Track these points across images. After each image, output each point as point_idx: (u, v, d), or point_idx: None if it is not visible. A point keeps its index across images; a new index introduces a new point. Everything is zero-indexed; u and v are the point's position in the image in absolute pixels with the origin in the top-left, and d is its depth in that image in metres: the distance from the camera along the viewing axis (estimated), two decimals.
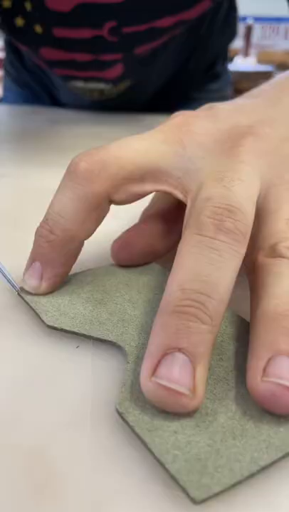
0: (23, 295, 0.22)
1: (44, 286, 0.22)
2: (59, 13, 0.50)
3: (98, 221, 0.23)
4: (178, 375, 0.16)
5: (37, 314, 0.21)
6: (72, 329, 0.20)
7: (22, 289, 0.23)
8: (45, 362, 0.19)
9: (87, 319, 0.21)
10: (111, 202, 0.23)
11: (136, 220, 0.27)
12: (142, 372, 0.17)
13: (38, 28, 0.53)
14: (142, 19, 0.52)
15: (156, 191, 0.24)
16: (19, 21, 0.53)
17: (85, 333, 0.20)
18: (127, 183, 0.22)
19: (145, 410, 0.16)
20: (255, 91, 0.29)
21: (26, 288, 0.23)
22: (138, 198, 0.24)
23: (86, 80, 0.60)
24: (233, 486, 0.14)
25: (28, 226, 0.31)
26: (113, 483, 0.15)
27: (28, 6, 0.51)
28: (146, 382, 0.16)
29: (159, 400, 0.16)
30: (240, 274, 0.19)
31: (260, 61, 2.90)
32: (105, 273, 0.24)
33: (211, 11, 0.63)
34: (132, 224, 0.26)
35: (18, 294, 0.23)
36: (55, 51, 0.55)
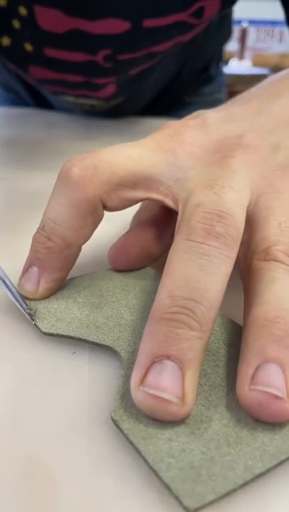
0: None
1: (41, 290, 0.22)
2: (52, 34, 0.47)
3: (95, 226, 0.23)
4: (166, 383, 0.16)
5: (34, 322, 0.21)
6: (69, 334, 0.20)
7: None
8: (41, 367, 0.20)
9: (83, 324, 0.21)
10: (104, 207, 0.23)
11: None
12: (131, 381, 0.17)
13: (28, 47, 0.50)
14: (138, 47, 0.50)
15: (148, 199, 0.24)
16: (5, 40, 0.49)
17: (81, 337, 0.20)
18: (120, 189, 0.23)
19: (139, 418, 0.16)
20: (245, 95, 0.29)
21: (23, 292, 0.23)
22: (131, 205, 0.24)
23: (77, 96, 0.59)
24: (227, 494, 0.14)
25: (23, 229, 0.31)
26: (109, 490, 0.15)
27: (16, 24, 0.47)
28: (135, 392, 0.16)
29: (148, 408, 0.16)
30: (235, 279, 0.19)
31: (255, 64, 2.91)
32: (102, 278, 0.25)
33: None
34: (128, 227, 0.26)
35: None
36: (45, 71, 0.52)
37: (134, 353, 0.20)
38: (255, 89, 0.29)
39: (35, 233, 0.23)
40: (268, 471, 0.15)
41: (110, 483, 0.15)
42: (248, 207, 0.22)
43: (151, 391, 0.16)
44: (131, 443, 0.16)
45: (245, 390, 0.16)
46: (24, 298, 0.23)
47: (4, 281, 0.22)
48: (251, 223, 0.22)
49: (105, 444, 0.16)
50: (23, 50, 0.50)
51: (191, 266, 0.18)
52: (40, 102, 0.71)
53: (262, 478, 0.15)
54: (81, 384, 0.19)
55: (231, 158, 0.23)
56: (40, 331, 0.21)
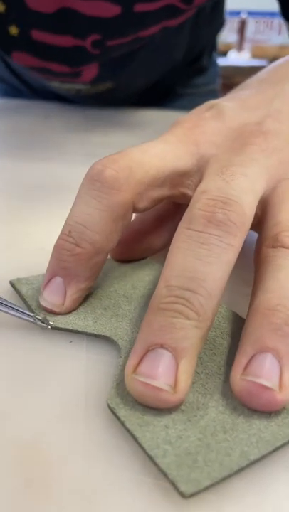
0: (19, 287, 0.23)
1: (68, 302, 0.21)
2: (40, 14, 0.46)
3: (122, 231, 0.22)
4: (158, 371, 0.16)
5: (32, 312, 0.21)
6: (66, 327, 0.20)
7: (16, 281, 0.23)
8: (39, 356, 0.20)
9: (80, 316, 0.21)
10: (134, 210, 0.22)
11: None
12: (126, 368, 0.17)
13: (14, 30, 0.48)
14: (127, 32, 0.49)
15: (173, 195, 0.23)
16: None
17: (79, 329, 0.20)
18: (150, 189, 0.22)
19: (136, 406, 0.16)
20: (253, 82, 0.28)
21: (48, 306, 0.21)
22: (156, 204, 0.23)
23: (62, 82, 0.58)
24: (223, 480, 0.14)
25: (19, 221, 0.31)
26: (106, 476, 0.15)
27: (0, 7, 0.46)
28: (128, 379, 0.16)
29: (140, 396, 0.16)
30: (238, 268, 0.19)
31: (254, 56, 2.90)
32: None
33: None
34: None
35: (11, 284, 0.22)
36: (29, 57, 0.51)
37: (131, 342, 0.20)
38: (262, 75, 0.29)
39: (59, 240, 0.21)
40: (264, 457, 0.15)
41: (106, 469, 0.15)
42: (265, 193, 0.21)
43: (142, 379, 0.16)
44: (127, 430, 0.16)
45: (237, 379, 0.16)
46: (51, 312, 0.21)
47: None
48: (266, 208, 0.21)
49: (102, 432, 0.16)
50: (7, 34, 0.49)
51: (189, 256, 0.18)
52: (32, 89, 0.70)
53: (258, 464, 0.15)
54: (78, 372, 0.19)
55: (251, 145, 0.22)
56: (40, 326, 0.21)
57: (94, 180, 0.21)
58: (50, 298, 0.21)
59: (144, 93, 0.67)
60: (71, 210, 0.21)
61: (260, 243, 0.21)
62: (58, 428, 0.17)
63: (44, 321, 0.20)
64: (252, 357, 0.17)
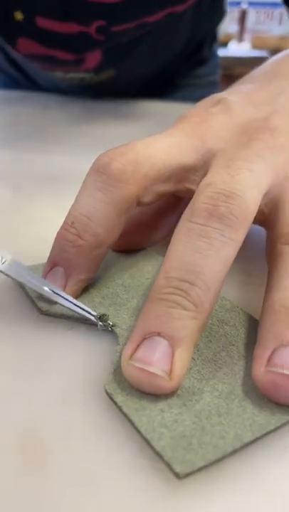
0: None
1: (68, 292, 0.21)
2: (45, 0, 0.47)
3: (124, 225, 0.22)
4: (153, 358, 0.16)
5: (31, 300, 0.22)
6: (65, 313, 0.21)
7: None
8: (38, 343, 0.20)
9: (79, 304, 0.21)
10: (138, 203, 0.22)
11: None
12: (122, 354, 0.17)
13: (19, 15, 0.48)
14: (132, 18, 0.49)
15: (178, 190, 0.23)
16: None
17: (77, 316, 0.21)
18: (155, 183, 0.22)
19: (133, 391, 0.17)
20: (258, 74, 0.28)
21: (47, 294, 0.21)
22: (160, 199, 0.23)
23: (65, 72, 0.58)
24: (217, 461, 0.15)
25: (19, 212, 0.32)
26: (103, 459, 0.15)
27: None
28: (124, 365, 0.17)
29: (136, 381, 0.17)
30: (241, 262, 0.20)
31: (254, 46, 2.88)
32: None
33: None
34: None
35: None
36: (34, 45, 0.51)
37: (129, 330, 0.20)
38: (266, 67, 0.29)
39: (61, 230, 0.21)
40: (257, 439, 0.16)
41: (104, 452, 0.16)
42: (271, 190, 0.21)
43: (138, 364, 0.16)
44: (124, 414, 0.16)
45: (261, 372, 0.17)
46: (50, 300, 0.21)
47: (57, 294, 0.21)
48: (277, 205, 0.22)
49: (99, 417, 0.17)
50: (13, 19, 0.48)
51: (188, 248, 0.18)
52: (31, 80, 0.70)
53: (251, 446, 0.16)
54: (77, 359, 0.19)
55: (257, 141, 0.22)
56: (38, 311, 0.21)
57: (100, 173, 0.21)
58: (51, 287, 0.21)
59: (145, 84, 0.67)
60: (75, 201, 0.21)
61: (273, 240, 0.21)
62: (56, 414, 0.17)
63: (104, 322, 0.20)
64: (273, 351, 0.17)
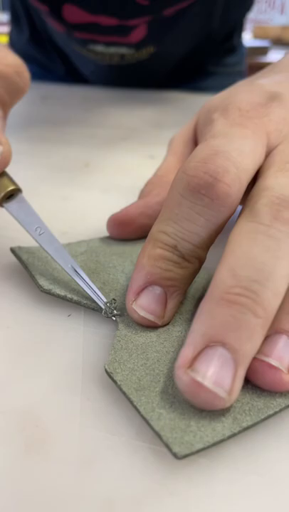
0: (20, 254, 0.23)
1: (168, 315, 0.19)
2: None
3: None
4: (216, 374, 0.15)
5: (33, 278, 0.22)
6: (65, 294, 0.21)
7: (18, 248, 0.23)
8: (37, 329, 0.20)
9: (79, 287, 0.21)
10: None
11: (131, 195, 0.27)
12: (178, 358, 0.16)
13: None
14: None
15: None
16: None
17: (77, 299, 0.21)
18: None
19: (133, 371, 0.17)
20: (285, 64, 0.28)
21: (147, 317, 0.19)
22: None
23: (107, 44, 0.57)
24: (215, 444, 0.15)
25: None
26: (103, 441, 0.15)
27: None
28: (181, 373, 0.15)
29: (191, 395, 0.15)
30: None
31: (255, 36, 2.86)
32: (99, 244, 0.25)
33: None
34: (123, 198, 0.26)
35: (12, 251, 0.22)
36: (79, 11, 0.51)
37: (128, 315, 0.20)
38: None
39: (160, 249, 0.19)
40: (256, 424, 0.16)
41: (102, 435, 0.16)
42: None
43: (199, 378, 0.15)
44: (124, 394, 0.16)
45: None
46: (149, 325, 0.19)
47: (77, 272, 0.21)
48: None
49: (98, 401, 0.17)
50: None
51: (257, 245, 0.17)
52: (68, 70, 0.69)
53: (250, 431, 0.16)
54: (76, 344, 0.19)
55: None
56: (39, 287, 0.21)
57: (201, 195, 0.19)
58: (151, 308, 0.19)
59: (176, 69, 0.66)
60: (169, 220, 0.19)
61: None
62: (55, 397, 0.17)
63: (111, 311, 0.20)
64: (266, 337, 0.17)
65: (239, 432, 0.15)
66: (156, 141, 0.43)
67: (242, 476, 0.15)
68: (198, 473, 0.15)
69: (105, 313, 0.20)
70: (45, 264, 0.23)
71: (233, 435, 0.15)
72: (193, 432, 0.15)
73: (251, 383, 0.17)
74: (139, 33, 0.55)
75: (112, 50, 0.59)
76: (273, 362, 0.16)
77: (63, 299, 0.21)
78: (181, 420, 0.15)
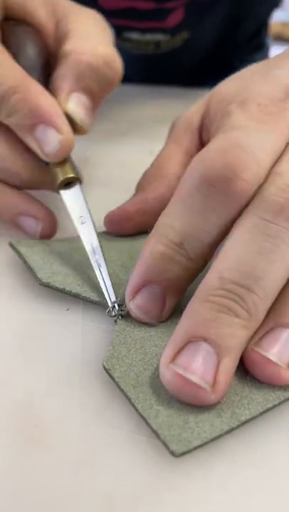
0: (19, 248, 0.23)
1: (165, 316, 0.19)
2: None
3: None
4: (197, 366, 0.15)
5: (31, 270, 0.21)
6: (64, 287, 0.21)
7: (16, 242, 0.23)
8: (36, 323, 0.20)
9: (78, 280, 0.21)
10: None
11: (131, 189, 0.27)
12: (162, 356, 0.16)
13: None
14: None
15: None
16: None
17: (76, 292, 0.21)
18: None
19: (131, 367, 0.17)
20: None
21: (143, 316, 0.19)
22: None
23: (143, 31, 0.56)
24: (213, 440, 0.15)
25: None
26: (102, 436, 0.15)
27: None
28: (163, 368, 0.16)
29: (175, 389, 0.15)
30: None
31: None
32: (99, 239, 0.25)
33: None
34: (123, 193, 0.26)
35: (11, 245, 0.23)
36: None
37: (127, 310, 0.20)
38: None
39: (163, 246, 0.18)
40: (255, 418, 0.16)
41: (102, 430, 0.16)
42: None
43: (180, 371, 0.15)
44: (122, 391, 0.16)
45: (247, 350, 0.16)
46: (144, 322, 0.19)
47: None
48: None
49: (97, 396, 0.17)
50: None
51: (250, 247, 0.16)
52: None
53: (249, 424, 0.16)
54: (74, 339, 0.19)
55: None
56: (38, 280, 0.21)
57: (217, 190, 0.18)
58: (148, 308, 0.19)
59: (202, 63, 0.66)
60: (179, 213, 0.18)
61: None
62: (54, 392, 0.17)
63: (116, 313, 0.20)
64: (268, 331, 0.17)
65: (238, 426, 0.15)
66: (157, 135, 0.42)
67: (240, 469, 0.15)
68: (197, 467, 0.15)
69: (109, 312, 0.20)
70: (44, 258, 0.22)
71: (232, 429, 0.15)
72: (191, 429, 0.15)
73: (250, 376, 0.17)
74: (176, 17, 0.55)
75: (148, 37, 0.57)
76: (272, 357, 0.16)
77: (62, 291, 0.21)
78: (179, 416, 0.15)
